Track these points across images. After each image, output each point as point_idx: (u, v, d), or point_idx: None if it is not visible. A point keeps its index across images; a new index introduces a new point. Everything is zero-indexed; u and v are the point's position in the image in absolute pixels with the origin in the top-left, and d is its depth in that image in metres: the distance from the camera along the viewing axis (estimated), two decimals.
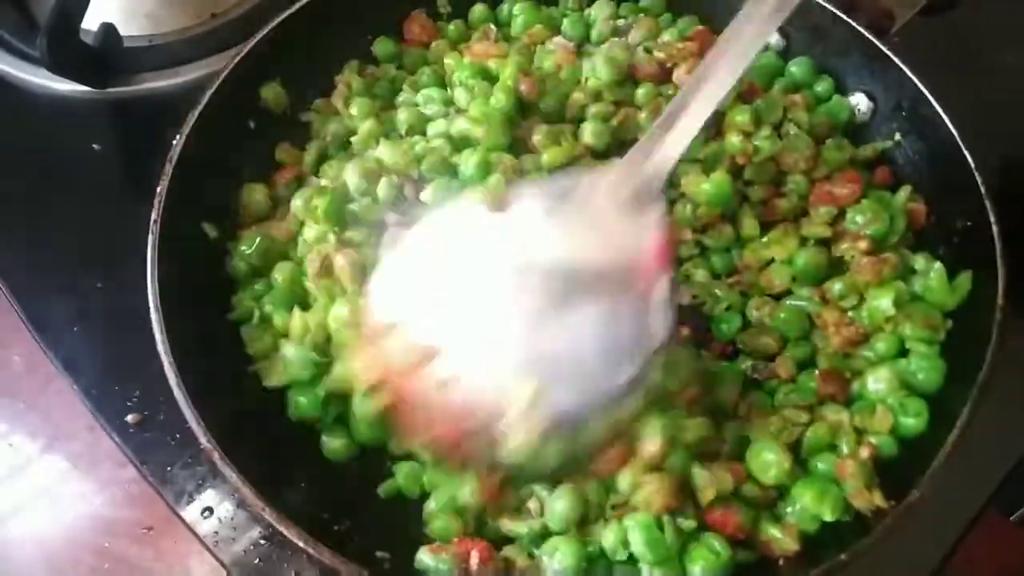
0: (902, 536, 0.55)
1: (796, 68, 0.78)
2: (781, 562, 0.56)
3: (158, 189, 0.61)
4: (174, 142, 0.63)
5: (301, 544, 0.52)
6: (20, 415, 0.81)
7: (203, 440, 0.54)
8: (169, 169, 0.62)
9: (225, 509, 0.65)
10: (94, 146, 0.82)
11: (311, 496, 0.59)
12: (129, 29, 0.85)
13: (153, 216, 0.60)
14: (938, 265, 0.64)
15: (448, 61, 0.77)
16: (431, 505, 0.59)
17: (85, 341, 0.73)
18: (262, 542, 0.63)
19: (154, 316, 0.58)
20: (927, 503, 0.55)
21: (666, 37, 0.78)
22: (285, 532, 0.52)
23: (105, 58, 0.82)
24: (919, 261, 0.66)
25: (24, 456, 0.74)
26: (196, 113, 0.65)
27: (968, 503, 0.68)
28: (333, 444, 0.62)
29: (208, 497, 0.65)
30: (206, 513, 0.65)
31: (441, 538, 0.57)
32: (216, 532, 0.64)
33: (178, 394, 0.55)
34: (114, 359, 0.71)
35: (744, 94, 0.74)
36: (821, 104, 0.76)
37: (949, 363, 0.61)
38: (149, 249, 0.59)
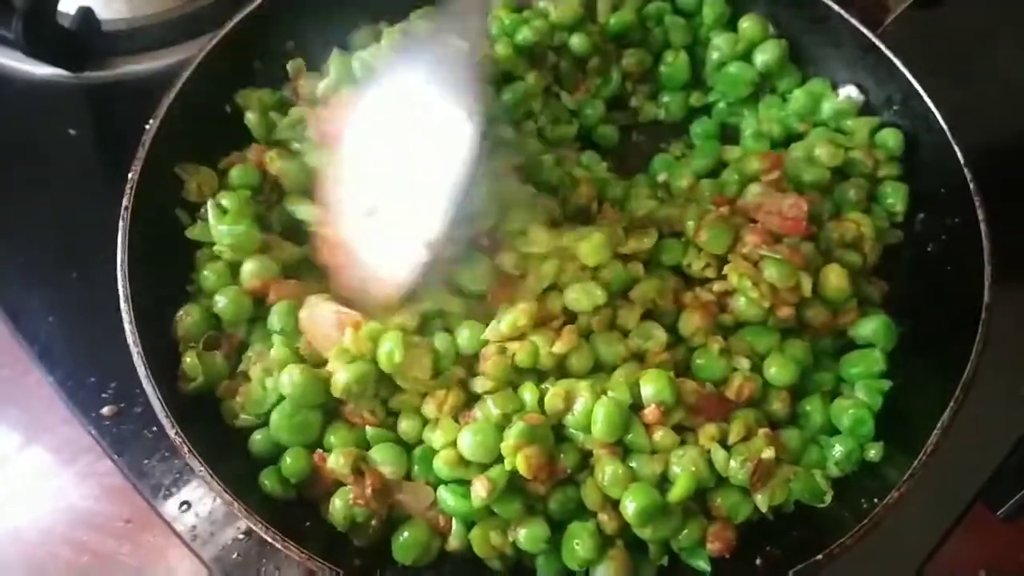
0: (886, 534, 0.54)
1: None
2: (759, 562, 0.55)
3: (130, 175, 0.60)
4: (147, 127, 0.62)
5: (270, 539, 0.51)
6: None
7: (171, 432, 0.53)
8: (142, 154, 0.61)
9: (204, 504, 0.64)
10: (70, 131, 0.81)
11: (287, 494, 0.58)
12: (107, 13, 0.83)
13: (124, 202, 0.59)
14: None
15: None
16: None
17: (60, 332, 0.71)
18: (241, 537, 0.62)
19: (123, 306, 0.57)
20: (914, 501, 0.54)
21: None
22: (255, 528, 0.51)
23: (82, 42, 0.81)
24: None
25: (2, 451, 0.73)
26: (171, 97, 0.63)
27: (954, 501, 0.68)
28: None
29: (186, 492, 0.64)
30: (184, 507, 0.64)
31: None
32: (195, 527, 0.63)
33: (146, 385, 0.54)
34: (89, 350, 0.70)
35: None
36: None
37: (935, 361, 0.61)
38: (120, 235, 0.58)
